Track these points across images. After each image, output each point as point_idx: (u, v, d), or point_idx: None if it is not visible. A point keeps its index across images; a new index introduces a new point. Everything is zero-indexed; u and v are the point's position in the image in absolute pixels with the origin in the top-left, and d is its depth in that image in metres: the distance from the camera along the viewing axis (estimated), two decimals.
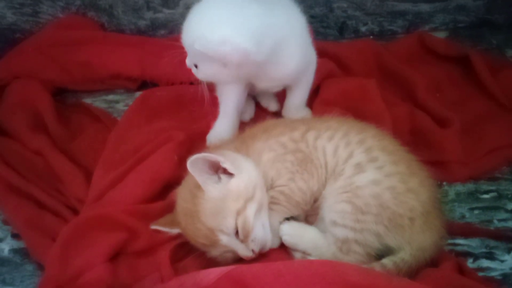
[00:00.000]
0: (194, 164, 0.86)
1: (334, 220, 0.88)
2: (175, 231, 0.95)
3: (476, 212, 1.05)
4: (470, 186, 1.10)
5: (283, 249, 0.94)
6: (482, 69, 1.32)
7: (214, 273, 0.82)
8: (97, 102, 1.39)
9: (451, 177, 1.11)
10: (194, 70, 1.02)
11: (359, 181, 0.88)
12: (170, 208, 0.98)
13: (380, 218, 0.86)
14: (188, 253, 0.95)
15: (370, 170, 0.89)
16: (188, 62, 1.02)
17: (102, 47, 1.40)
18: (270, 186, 0.94)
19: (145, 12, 1.48)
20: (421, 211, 0.88)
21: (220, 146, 1.01)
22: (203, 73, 1.01)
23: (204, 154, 0.87)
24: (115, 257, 0.92)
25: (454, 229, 0.98)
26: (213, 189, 0.88)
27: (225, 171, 0.90)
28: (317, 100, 1.23)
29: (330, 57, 1.34)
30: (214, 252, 0.91)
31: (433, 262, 0.90)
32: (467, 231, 1.00)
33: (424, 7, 1.55)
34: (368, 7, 1.54)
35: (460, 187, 1.10)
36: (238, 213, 0.87)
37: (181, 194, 0.94)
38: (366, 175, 0.88)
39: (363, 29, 1.58)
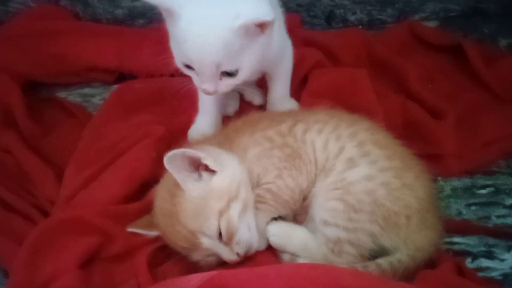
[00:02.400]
0: (172, 160, 0.79)
1: (325, 219, 0.82)
2: (153, 233, 0.88)
3: (473, 208, 0.99)
4: (466, 181, 1.05)
5: (271, 251, 0.87)
6: (475, 59, 1.26)
7: (195, 279, 0.75)
8: (71, 96, 1.31)
9: (446, 171, 1.05)
10: (211, 87, 0.87)
11: (351, 176, 0.82)
12: (148, 209, 0.91)
13: (374, 217, 0.80)
14: (168, 257, 0.88)
15: (362, 165, 0.83)
16: (211, 79, 0.85)
17: (76, 38, 1.32)
18: (256, 184, 0.88)
19: (122, 0, 1.40)
20: (418, 208, 0.82)
21: (202, 142, 0.94)
22: (241, 76, 0.87)
23: (183, 149, 0.80)
24: (88, 263, 0.84)
25: (451, 227, 0.92)
26: (194, 188, 0.81)
27: (206, 168, 0.83)
28: (305, 91, 1.16)
29: (318, 46, 1.28)
30: (196, 256, 0.84)
31: (431, 262, 0.84)
32: (465, 228, 0.94)
33: None
34: None
35: (456, 182, 1.04)
36: (221, 213, 0.80)
37: (160, 193, 0.87)
38: (358, 170, 0.82)
39: (351, 18, 1.51)
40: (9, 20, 1.36)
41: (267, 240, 0.87)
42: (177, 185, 0.82)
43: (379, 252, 0.82)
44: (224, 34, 0.81)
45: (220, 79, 0.87)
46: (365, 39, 1.35)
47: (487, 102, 1.22)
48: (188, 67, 0.87)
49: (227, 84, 0.88)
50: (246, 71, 0.87)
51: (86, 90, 1.33)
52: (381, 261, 0.81)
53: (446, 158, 1.06)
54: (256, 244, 0.85)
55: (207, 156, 0.82)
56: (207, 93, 0.88)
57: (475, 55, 1.27)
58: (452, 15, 1.53)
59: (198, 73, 0.86)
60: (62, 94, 1.30)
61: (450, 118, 1.09)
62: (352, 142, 0.86)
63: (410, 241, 0.82)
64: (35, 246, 0.82)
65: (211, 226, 0.80)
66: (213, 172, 0.83)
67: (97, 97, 1.30)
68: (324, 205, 0.83)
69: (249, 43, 0.84)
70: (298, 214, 0.91)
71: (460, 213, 0.99)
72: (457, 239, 0.93)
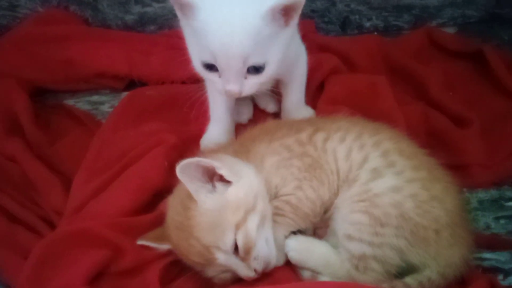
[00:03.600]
0: (185, 170, 0.74)
1: (348, 233, 0.77)
2: (165, 247, 0.83)
3: (502, 221, 0.94)
4: (494, 192, 0.99)
5: (289, 267, 0.82)
6: (498, 65, 1.22)
7: None
8: (80, 103, 1.27)
9: (472, 182, 1.00)
10: (236, 87, 0.81)
11: (377, 187, 0.77)
12: (160, 221, 0.86)
13: (402, 231, 0.75)
14: (181, 273, 0.83)
15: (388, 175, 0.78)
16: (236, 78, 0.79)
17: (85, 43, 1.28)
18: (274, 195, 0.83)
19: (132, 6, 1.37)
20: (447, 221, 0.77)
21: (216, 150, 0.89)
22: (268, 72, 0.81)
23: (196, 158, 0.76)
24: (96, 278, 0.79)
25: (480, 241, 0.87)
26: (208, 200, 0.77)
27: (221, 178, 0.78)
28: (322, 98, 1.12)
29: (334, 52, 1.23)
30: (210, 272, 0.79)
31: (462, 280, 0.79)
32: (495, 243, 0.89)
33: (432, 1, 1.45)
34: (373, 0, 1.44)
35: (482, 194, 0.99)
36: (238, 226, 0.76)
37: (172, 205, 0.82)
38: (384, 180, 0.77)
39: (367, 24, 1.47)
40: (17, 25, 1.32)
41: (286, 256, 0.82)
42: (190, 197, 0.78)
43: (407, 270, 0.77)
44: (252, 21, 0.74)
45: (245, 78, 0.81)
46: (382, 45, 1.30)
47: (511, 110, 1.17)
48: (209, 67, 0.81)
49: (253, 83, 0.82)
50: (273, 66, 0.81)
51: (95, 98, 1.29)
52: (409, 279, 0.76)
53: (471, 169, 1.01)
54: (275, 259, 0.80)
55: (223, 166, 0.77)
56: (231, 94, 0.82)
57: (497, 61, 1.22)
58: (470, 22, 1.49)
59: (222, 71, 0.80)
60: (70, 102, 1.26)
61: (475, 126, 1.04)
62: (377, 151, 0.81)
63: (440, 257, 0.76)
64: (40, 261, 0.77)
65: (227, 240, 0.75)
66: (228, 182, 0.78)
67: (106, 104, 1.26)
68: (347, 218, 0.78)
69: (275, 34, 0.78)
70: (318, 227, 0.86)
71: (488, 227, 0.93)
72: (487, 255, 0.88)
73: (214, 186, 0.78)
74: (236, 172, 0.79)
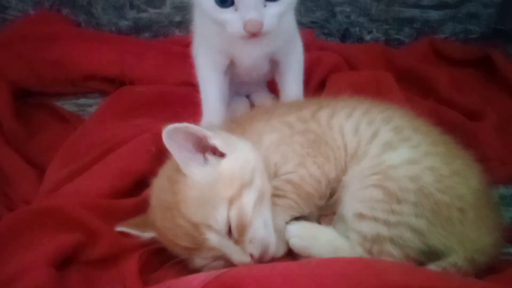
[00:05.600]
0: (172, 137, 0.65)
1: (359, 212, 0.66)
2: (147, 235, 0.72)
3: None
4: None
5: (291, 257, 0.71)
6: (507, 67, 1.16)
7: (198, 279, 0.58)
8: (66, 105, 1.19)
9: (491, 178, 0.90)
10: (256, 15, 0.75)
11: (391, 159, 0.68)
12: (143, 208, 0.75)
13: (421, 209, 0.65)
14: (164, 265, 0.71)
15: (403, 148, 0.69)
16: (255, 6, 0.74)
17: (75, 44, 1.22)
18: (273, 175, 0.73)
19: (127, 11, 1.33)
20: (472, 200, 0.67)
21: (209, 128, 0.80)
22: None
23: (186, 124, 0.67)
24: (65, 264, 0.68)
25: (507, 235, 0.76)
26: (198, 172, 0.67)
27: (214, 151, 0.69)
28: (323, 95, 1.04)
29: (335, 53, 1.18)
30: (199, 261, 0.68)
31: (492, 269, 0.67)
32: None
33: (433, 14, 1.42)
34: (373, 12, 1.41)
35: (503, 190, 0.90)
36: (231, 202, 0.65)
37: (157, 184, 0.73)
38: (399, 153, 0.69)
39: (367, 37, 1.43)
40: (6, 27, 1.28)
41: (287, 244, 0.71)
42: (178, 170, 0.68)
43: (429, 255, 0.66)
44: None
45: (264, 6, 0.75)
46: (385, 51, 1.26)
47: None
48: (223, 2, 0.75)
49: (272, 13, 0.76)
50: None
51: (82, 100, 1.21)
52: (432, 266, 0.64)
53: (490, 163, 0.91)
54: (274, 246, 0.68)
55: (216, 135, 0.69)
56: (252, 26, 0.74)
57: (505, 63, 1.18)
58: (473, 37, 1.46)
59: (239, 3, 0.74)
60: (56, 104, 1.18)
61: (491, 118, 0.96)
62: (388, 126, 0.73)
63: (467, 240, 0.66)
64: (1, 238, 0.66)
65: (219, 217, 0.65)
66: (221, 156, 0.69)
67: (94, 106, 1.18)
68: (358, 195, 0.67)
69: None
70: (323, 214, 0.75)
71: None
72: None
73: (205, 159, 0.69)
74: (231, 144, 0.70)
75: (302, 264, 0.58)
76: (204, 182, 0.67)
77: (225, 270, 0.58)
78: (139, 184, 0.82)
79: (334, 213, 0.74)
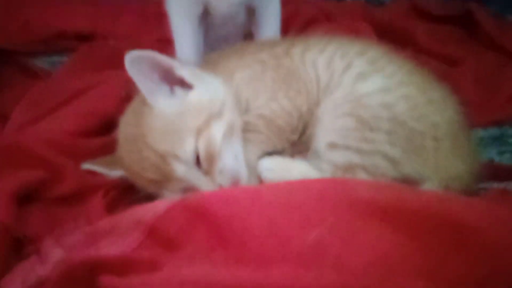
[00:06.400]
0: (136, 65, 0.63)
1: (331, 141, 0.65)
2: (115, 173, 0.70)
3: (507, 155, 0.83)
4: (495, 131, 0.90)
5: None
6: (487, 21, 1.15)
7: (163, 203, 0.56)
8: (38, 63, 1.15)
9: (469, 121, 0.89)
10: None
11: (364, 88, 0.66)
12: (112, 149, 0.72)
13: (395, 137, 0.63)
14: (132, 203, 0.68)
15: (377, 77, 0.67)
16: None
17: (47, 4, 1.19)
18: (244, 110, 0.71)
19: None
20: (448, 130, 0.66)
21: None
22: None
23: (151, 51, 0.64)
24: (28, 202, 0.65)
25: (485, 172, 0.75)
26: (165, 103, 0.65)
27: (182, 84, 0.66)
28: None
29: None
30: (168, 194, 0.65)
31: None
32: (500, 173, 0.77)
33: None
34: None
35: (482, 133, 0.89)
36: (199, 132, 0.63)
37: (123, 120, 0.70)
38: (372, 81, 0.67)
39: None
40: None
41: (259, 180, 0.69)
42: (143, 102, 0.65)
43: (403, 183, 0.64)
44: None
45: None
46: (365, 8, 1.24)
47: (504, 63, 1.08)
48: None
49: None
50: None
51: (55, 58, 1.18)
52: None
53: (468, 107, 0.90)
54: (245, 179, 0.66)
55: (183, 66, 0.66)
56: None
57: (485, 17, 1.16)
58: None
59: None
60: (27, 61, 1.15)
61: (468, 64, 0.95)
62: (362, 58, 0.71)
63: (442, 169, 0.64)
64: None
65: (187, 146, 0.62)
66: (189, 88, 0.66)
67: None
68: (331, 125, 0.66)
69: None
70: (297, 152, 0.73)
71: (492, 161, 0.82)
72: (494, 185, 0.75)
73: (172, 91, 0.66)
74: (200, 77, 0.68)
75: (271, 186, 0.56)
76: (171, 113, 0.64)
77: (188, 195, 0.56)
78: (108, 127, 0.79)
79: (307, 150, 0.72)
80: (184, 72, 0.66)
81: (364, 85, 0.66)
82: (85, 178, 0.69)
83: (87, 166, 0.70)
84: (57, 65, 1.14)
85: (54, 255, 0.51)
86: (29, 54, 1.18)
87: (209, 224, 0.53)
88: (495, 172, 0.76)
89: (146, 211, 0.56)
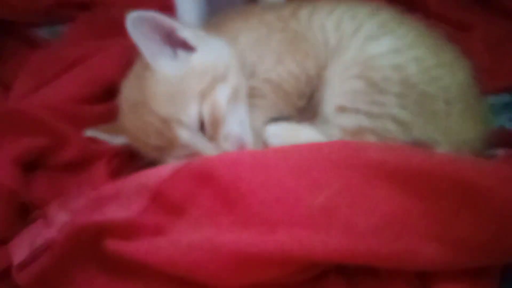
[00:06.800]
0: (138, 26, 0.61)
1: (340, 104, 0.63)
2: (118, 140, 0.69)
3: None
4: (506, 97, 0.87)
5: None
6: None
7: (166, 168, 0.55)
8: (40, 33, 1.13)
9: (481, 88, 0.87)
10: None
11: (374, 49, 0.64)
12: (114, 115, 0.71)
13: (405, 100, 0.61)
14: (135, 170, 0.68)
15: (387, 39, 0.65)
16: None
17: None
18: (250, 75, 0.69)
19: None
20: (459, 93, 0.64)
21: None
22: None
23: (152, 13, 0.62)
24: (32, 169, 0.64)
25: (497, 138, 0.73)
26: (167, 66, 0.63)
27: (185, 46, 0.65)
28: None
29: None
30: (171, 161, 0.64)
31: None
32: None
33: None
34: None
35: (493, 99, 0.86)
36: (203, 95, 0.61)
37: (126, 84, 0.68)
38: (382, 42, 0.64)
39: None
40: None
41: (264, 146, 0.67)
42: (146, 66, 0.64)
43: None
44: None
45: None
46: None
47: None
48: None
49: None
50: None
51: (57, 28, 1.15)
52: None
53: (479, 73, 0.88)
54: (251, 145, 0.65)
55: (185, 28, 0.64)
56: None
57: None
58: None
59: None
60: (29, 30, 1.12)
61: (479, 30, 0.92)
62: (372, 20, 0.68)
63: (453, 132, 0.62)
64: None
65: (191, 111, 0.61)
66: (191, 50, 0.64)
67: None
68: (339, 88, 0.64)
69: None
70: (304, 119, 0.71)
71: (503, 127, 0.80)
72: (503, 152, 0.73)
73: (175, 54, 0.64)
74: (203, 39, 0.66)
75: (278, 149, 0.55)
76: (174, 76, 0.62)
77: (193, 159, 0.55)
78: (110, 95, 0.77)
79: (315, 117, 0.70)
80: (187, 33, 0.64)
81: (374, 47, 0.64)
82: (89, 145, 0.68)
83: (90, 133, 0.69)
84: (59, 35, 1.12)
85: (60, 218, 0.51)
86: (31, 24, 1.15)
87: (214, 188, 0.52)
88: (506, 139, 0.74)
89: (151, 176, 0.55)
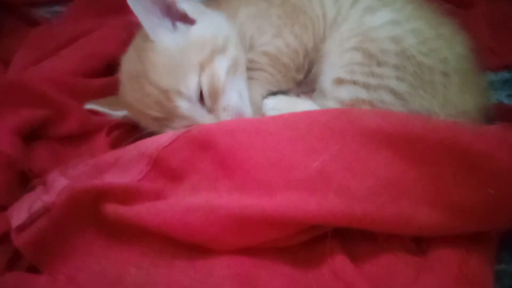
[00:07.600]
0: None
1: (338, 76, 0.63)
2: (118, 113, 0.69)
3: None
4: (505, 74, 0.87)
5: None
6: None
7: (166, 136, 0.56)
8: (40, 13, 1.13)
9: (481, 65, 0.87)
10: None
11: (372, 21, 0.64)
12: (114, 89, 0.72)
13: (403, 72, 0.62)
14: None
15: (385, 10, 0.65)
16: None
17: None
18: (249, 48, 0.69)
19: None
20: (457, 65, 0.64)
21: None
22: None
23: None
24: (31, 140, 0.65)
25: (494, 113, 0.73)
26: (167, 38, 0.63)
27: (184, 19, 0.65)
28: None
29: None
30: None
31: None
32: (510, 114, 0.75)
33: None
34: None
35: (492, 76, 0.87)
36: (202, 66, 0.62)
37: (126, 58, 0.69)
38: (380, 14, 0.65)
39: None
40: None
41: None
42: (145, 39, 0.64)
43: None
44: None
45: None
46: None
47: None
48: None
49: None
50: None
51: (57, 8, 1.15)
52: None
53: (479, 50, 0.88)
54: (250, 116, 0.65)
55: (185, 1, 0.64)
56: None
57: None
58: None
59: None
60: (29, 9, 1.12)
61: (480, 8, 0.92)
62: None
63: (450, 105, 0.63)
64: None
65: (190, 82, 0.61)
66: (191, 23, 0.65)
67: None
68: (337, 60, 0.64)
69: None
70: (302, 92, 0.72)
71: (501, 103, 0.80)
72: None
73: (175, 26, 0.65)
74: (203, 12, 0.66)
75: (275, 117, 0.55)
76: (173, 48, 0.63)
77: (192, 127, 0.55)
78: (110, 70, 0.78)
79: (313, 91, 0.70)
80: (186, 6, 0.64)
81: (372, 18, 0.64)
82: (89, 118, 0.68)
83: (90, 106, 0.69)
84: (58, 15, 1.12)
85: (59, 183, 0.51)
86: (31, 4, 1.15)
87: (213, 154, 0.52)
88: (504, 113, 0.75)
89: (150, 144, 0.56)
